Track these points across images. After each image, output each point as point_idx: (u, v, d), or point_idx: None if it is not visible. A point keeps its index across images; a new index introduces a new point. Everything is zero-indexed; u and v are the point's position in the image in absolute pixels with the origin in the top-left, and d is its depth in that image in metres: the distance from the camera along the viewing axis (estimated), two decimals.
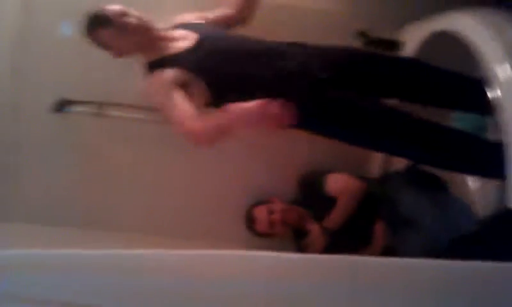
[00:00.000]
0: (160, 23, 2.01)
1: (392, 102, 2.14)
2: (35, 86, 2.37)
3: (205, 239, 2.36)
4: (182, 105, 1.82)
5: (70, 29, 2.34)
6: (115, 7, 1.87)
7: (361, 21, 2.42)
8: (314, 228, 2.29)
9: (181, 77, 1.85)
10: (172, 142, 2.35)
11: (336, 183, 2.29)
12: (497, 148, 1.54)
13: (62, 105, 2.34)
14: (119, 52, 1.93)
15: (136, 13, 1.88)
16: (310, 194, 2.40)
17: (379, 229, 2.18)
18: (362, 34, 2.41)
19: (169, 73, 1.84)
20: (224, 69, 1.87)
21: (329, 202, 2.26)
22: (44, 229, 2.23)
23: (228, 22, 2.16)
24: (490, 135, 1.98)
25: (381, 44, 2.37)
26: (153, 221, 2.43)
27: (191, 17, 2.10)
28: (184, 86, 1.85)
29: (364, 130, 1.85)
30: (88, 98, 2.36)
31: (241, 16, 2.18)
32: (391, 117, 1.88)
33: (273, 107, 1.64)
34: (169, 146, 2.38)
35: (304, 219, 2.40)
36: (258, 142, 2.41)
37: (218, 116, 1.77)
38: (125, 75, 2.26)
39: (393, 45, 2.35)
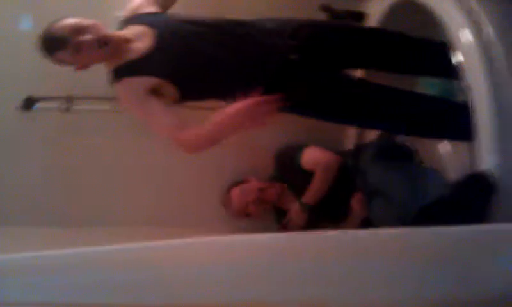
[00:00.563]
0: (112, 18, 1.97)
1: (357, 72, 2.20)
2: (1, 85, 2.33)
3: (187, 226, 2.33)
4: (163, 114, 1.80)
5: (30, 23, 2.31)
6: (67, 24, 1.75)
7: None
8: (293, 206, 2.30)
9: (149, 83, 1.80)
10: (144, 130, 2.34)
11: (312, 156, 2.28)
12: (464, 110, 1.57)
13: (29, 103, 2.30)
14: (80, 67, 1.85)
15: (89, 23, 1.77)
16: (287, 169, 2.39)
17: (357, 202, 2.19)
18: (326, 8, 2.42)
19: (138, 83, 1.80)
20: (189, 65, 1.83)
21: (307, 176, 2.26)
22: (21, 230, 2.19)
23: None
24: (459, 99, 2.02)
25: (347, 16, 2.39)
26: (133, 212, 2.41)
27: (142, 3, 1.99)
28: (154, 90, 1.82)
29: (337, 108, 1.87)
30: (55, 94, 2.32)
31: None
32: (361, 89, 1.91)
33: (261, 105, 1.67)
34: (141, 134, 2.36)
35: (283, 196, 2.40)
36: None
37: (208, 126, 1.78)
38: (91, 67, 2.22)
39: (359, 16, 2.38)
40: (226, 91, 1.87)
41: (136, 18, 1.93)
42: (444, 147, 2.34)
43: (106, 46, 1.77)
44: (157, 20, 1.90)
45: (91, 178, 2.42)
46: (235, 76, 1.85)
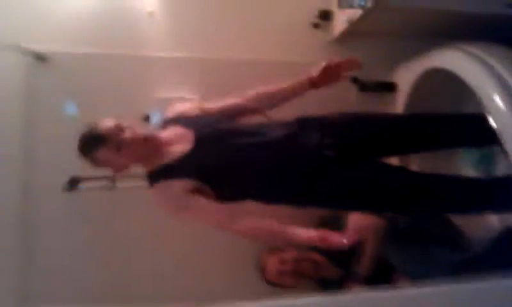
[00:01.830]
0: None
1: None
2: (46, 167, 2.42)
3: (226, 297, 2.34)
4: (207, 209, 1.80)
5: (75, 109, 2.43)
6: (108, 124, 1.77)
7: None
8: (353, 286, 2.20)
9: (189, 185, 1.79)
10: None
11: (359, 222, 2.23)
12: (505, 182, 1.58)
13: (74, 183, 2.38)
14: (119, 169, 1.87)
15: (128, 125, 1.80)
16: None
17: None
18: (355, 80, 2.50)
19: (178, 186, 1.79)
20: (225, 169, 1.82)
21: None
22: None
23: (234, 111, 2.01)
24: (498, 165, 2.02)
25: (377, 87, 2.46)
26: (174, 288, 2.42)
27: (185, 108, 2.02)
28: (195, 189, 1.81)
29: (379, 198, 1.84)
30: (98, 173, 2.38)
31: (254, 110, 2.02)
32: (404, 178, 1.87)
33: (334, 238, 1.69)
34: None
35: (320, 268, 2.35)
36: None
37: (277, 228, 1.80)
38: None
39: (389, 86, 2.43)
40: (263, 195, 1.87)
41: (177, 120, 1.95)
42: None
43: (146, 147, 1.81)
44: (197, 125, 1.90)
45: (136, 255, 2.46)
46: (272, 180, 1.84)
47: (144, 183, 2.33)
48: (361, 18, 2.25)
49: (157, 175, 1.83)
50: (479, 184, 1.93)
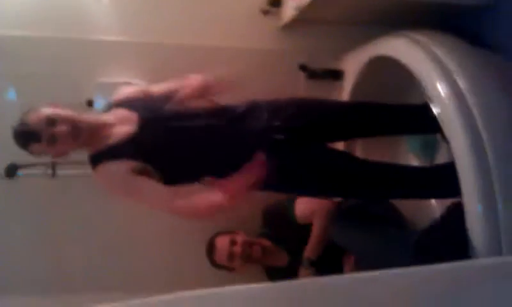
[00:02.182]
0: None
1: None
2: None
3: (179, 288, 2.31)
4: (152, 190, 1.78)
5: (13, 94, 2.34)
6: (41, 117, 1.72)
7: (302, 56, 2.54)
8: (301, 270, 2.23)
9: (132, 166, 1.77)
10: None
11: (306, 206, 2.26)
12: (448, 170, 1.62)
13: (13, 170, 2.29)
14: (58, 155, 1.84)
15: (62, 113, 1.75)
16: (279, 225, 2.36)
17: (349, 264, 2.19)
18: (303, 68, 2.50)
19: (123, 167, 1.77)
20: (171, 151, 1.81)
21: (301, 230, 2.24)
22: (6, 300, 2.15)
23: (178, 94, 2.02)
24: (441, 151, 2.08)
25: (325, 74, 2.47)
26: (121, 276, 2.39)
27: (130, 91, 2.00)
28: (138, 171, 1.79)
29: (327, 181, 1.88)
30: (38, 160, 2.30)
31: (197, 95, 2.02)
32: (351, 164, 1.93)
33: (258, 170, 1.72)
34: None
35: (271, 254, 2.36)
36: None
37: (208, 196, 1.77)
38: None
39: (336, 74, 2.46)
40: (212, 176, 1.85)
41: (124, 103, 1.92)
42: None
43: (80, 136, 1.77)
44: (141, 106, 1.89)
45: (77, 244, 2.39)
46: (222, 161, 1.84)
47: (85, 170, 2.32)
48: (310, 6, 2.24)
49: (100, 156, 1.80)
50: (420, 172, 2.00)
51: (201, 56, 2.46)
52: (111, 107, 1.94)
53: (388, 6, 2.22)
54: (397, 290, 1.19)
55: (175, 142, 1.80)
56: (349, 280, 1.29)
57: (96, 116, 1.90)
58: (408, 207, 2.24)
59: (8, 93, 2.35)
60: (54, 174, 2.31)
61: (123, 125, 1.82)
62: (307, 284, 1.32)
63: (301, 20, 2.46)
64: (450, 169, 1.59)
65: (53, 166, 2.30)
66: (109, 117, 1.87)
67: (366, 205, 2.13)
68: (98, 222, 2.41)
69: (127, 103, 1.91)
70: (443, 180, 1.79)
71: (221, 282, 2.15)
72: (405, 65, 1.88)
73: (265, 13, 2.60)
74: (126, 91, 2.00)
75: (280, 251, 2.37)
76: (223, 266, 2.36)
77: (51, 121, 1.72)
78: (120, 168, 1.77)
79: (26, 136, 1.73)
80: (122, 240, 2.46)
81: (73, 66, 2.41)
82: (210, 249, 2.38)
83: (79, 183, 2.36)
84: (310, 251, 2.22)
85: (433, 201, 2.30)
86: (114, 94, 2.00)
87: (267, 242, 2.39)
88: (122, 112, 1.87)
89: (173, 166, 1.82)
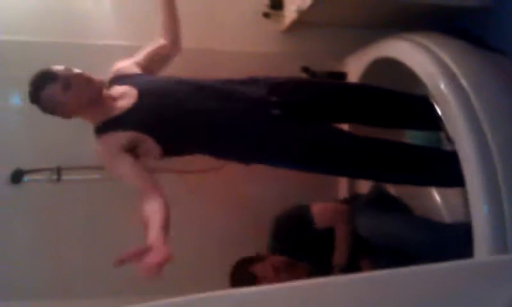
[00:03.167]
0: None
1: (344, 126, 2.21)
2: None
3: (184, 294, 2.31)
4: (130, 175, 1.82)
5: (18, 99, 2.34)
6: (59, 66, 1.83)
7: (304, 58, 2.53)
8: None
9: (128, 138, 1.83)
10: (133, 196, 2.34)
11: (325, 210, 2.18)
12: (451, 158, 1.63)
13: (18, 176, 2.30)
14: (67, 112, 1.86)
15: (79, 71, 1.84)
16: (296, 234, 2.18)
17: (366, 266, 2.14)
18: (306, 70, 2.51)
19: (116, 137, 1.83)
20: (170, 119, 1.86)
21: (320, 236, 2.14)
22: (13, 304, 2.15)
23: (162, 54, 2.15)
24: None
25: (328, 77, 2.48)
26: (126, 281, 2.37)
27: (125, 65, 2.06)
28: (134, 146, 1.84)
29: (324, 159, 1.88)
30: (43, 166, 2.32)
31: (171, 42, 2.15)
32: (347, 140, 1.93)
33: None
34: (132, 202, 2.37)
35: (295, 271, 2.15)
36: (223, 190, 2.45)
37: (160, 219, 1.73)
38: (78, 137, 2.23)
39: (339, 76, 2.46)
40: (209, 147, 1.93)
41: (119, 79, 1.99)
42: (439, 194, 2.40)
43: (91, 93, 1.84)
44: (140, 80, 1.96)
45: (82, 248, 2.39)
46: (219, 131, 1.88)
47: (90, 176, 2.33)
48: (311, 8, 2.25)
49: (103, 127, 1.87)
50: (426, 153, 1.96)
51: (202, 59, 2.46)
52: (109, 85, 1.99)
53: (390, 8, 2.24)
54: (404, 289, 1.19)
55: (174, 112, 1.86)
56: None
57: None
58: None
59: (12, 98, 2.36)
60: (59, 179, 2.31)
61: (123, 98, 1.90)
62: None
63: (303, 22, 2.48)
64: (453, 157, 1.61)
65: (58, 171, 2.30)
66: (110, 91, 1.94)
67: (383, 194, 2.15)
68: (103, 226, 2.40)
69: (124, 79, 1.98)
70: (446, 166, 1.76)
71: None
72: (408, 67, 1.89)
73: (267, 16, 2.61)
74: (119, 65, 2.07)
75: (299, 263, 2.19)
76: None
77: (69, 69, 1.83)
78: (115, 140, 1.83)
79: (44, 76, 1.81)
80: (127, 245, 2.45)
81: None
82: (251, 281, 2.08)
83: (84, 188, 2.37)
84: (339, 257, 2.13)
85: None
86: (110, 71, 2.06)
87: (286, 258, 2.19)
88: (121, 88, 1.94)
89: (172, 137, 1.87)
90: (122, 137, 1.82)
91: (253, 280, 2.08)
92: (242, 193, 2.50)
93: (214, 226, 2.48)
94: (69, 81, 1.80)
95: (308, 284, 1.14)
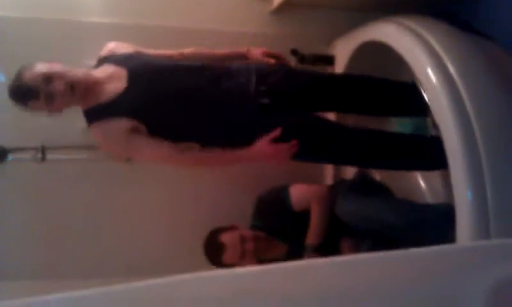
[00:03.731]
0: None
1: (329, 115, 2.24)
2: None
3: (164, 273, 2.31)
4: (152, 147, 1.85)
5: (1, 75, 2.31)
6: (38, 74, 1.74)
7: (293, 41, 2.52)
8: (306, 258, 2.12)
9: (128, 123, 1.81)
10: (119, 177, 2.35)
11: (303, 193, 2.22)
12: (437, 142, 1.63)
13: (2, 155, 2.27)
14: (55, 112, 1.83)
15: (57, 69, 1.78)
16: (275, 215, 2.27)
17: (347, 247, 2.18)
18: (295, 52, 2.49)
19: (117, 126, 1.81)
20: (159, 105, 1.84)
21: (297, 218, 2.20)
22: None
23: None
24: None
25: (316, 59, 2.47)
26: (113, 262, 2.39)
27: (117, 46, 2.01)
28: (136, 127, 1.83)
29: (312, 147, 1.91)
30: (27, 145, 2.30)
31: None
32: (335, 130, 1.97)
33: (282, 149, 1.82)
34: (116, 181, 2.37)
35: (270, 247, 2.26)
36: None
37: (219, 155, 1.89)
38: (63, 116, 2.19)
39: (327, 59, 2.45)
40: (198, 137, 1.92)
41: (110, 59, 1.95)
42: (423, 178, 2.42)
43: (76, 93, 1.79)
44: (130, 61, 1.91)
45: (68, 228, 2.39)
46: (207, 119, 1.87)
47: (75, 155, 2.31)
48: None
49: (93, 113, 1.84)
50: (407, 140, 2.00)
51: (191, 39, 2.42)
52: (100, 62, 1.96)
53: None
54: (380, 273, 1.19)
55: (164, 98, 1.84)
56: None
57: (88, 71, 1.90)
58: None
59: None
60: (43, 159, 2.29)
61: (112, 81, 1.86)
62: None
63: (292, 4, 2.47)
64: (434, 142, 1.62)
65: (43, 150, 2.28)
66: (99, 74, 1.89)
67: (367, 179, 2.20)
68: (89, 207, 2.40)
69: (114, 58, 1.94)
70: (431, 150, 1.80)
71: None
72: (396, 50, 1.88)
73: None
74: (112, 45, 2.02)
75: (277, 242, 2.29)
76: (230, 265, 2.15)
77: (47, 79, 1.75)
78: (115, 128, 1.81)
79: (25, 94, 1.76)
80: (113, 224, 2.45)
81: (59, 47, 2.36)
82: (219, 249, 2.18)
83: (69, 167, 2.36)
84: (311, 237, 2.16)
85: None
86: (103, 50, 2.02)
87: (265, 235, 2.29)
88: (110, 68, 1.90)
89: (162, 123, 1.86)
90: (122, 122, 1.81)
91: (220, 248, 2.18)
92: (236, 174, 2.49)
93: (206, 206, 2.49)
94: (51, 94, 1.75)
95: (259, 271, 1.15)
